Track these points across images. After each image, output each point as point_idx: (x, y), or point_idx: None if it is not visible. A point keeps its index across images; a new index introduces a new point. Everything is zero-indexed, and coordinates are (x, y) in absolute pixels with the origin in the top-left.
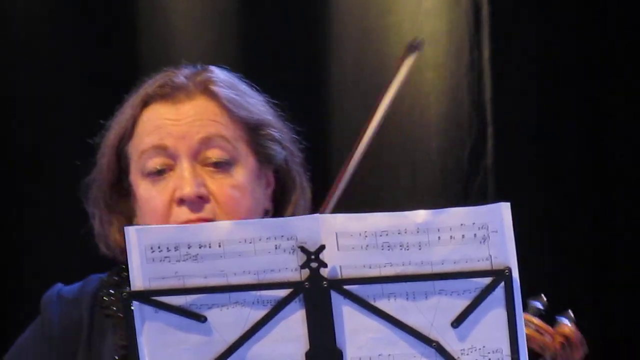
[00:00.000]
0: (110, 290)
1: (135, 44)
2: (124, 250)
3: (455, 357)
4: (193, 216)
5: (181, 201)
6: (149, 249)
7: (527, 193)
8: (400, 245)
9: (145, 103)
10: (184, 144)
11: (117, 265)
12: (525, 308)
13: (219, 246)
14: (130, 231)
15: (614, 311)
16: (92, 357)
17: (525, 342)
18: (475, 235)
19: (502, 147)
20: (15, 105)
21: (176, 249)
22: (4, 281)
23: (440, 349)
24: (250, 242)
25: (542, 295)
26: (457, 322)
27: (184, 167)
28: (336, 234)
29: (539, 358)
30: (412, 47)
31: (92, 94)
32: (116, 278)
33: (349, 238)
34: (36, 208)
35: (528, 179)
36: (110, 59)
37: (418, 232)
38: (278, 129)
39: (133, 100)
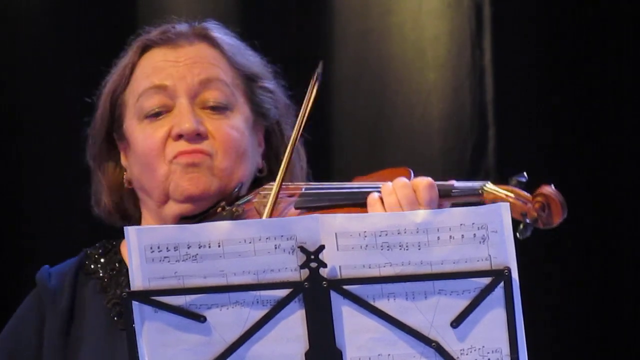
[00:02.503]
0: (96, 257)
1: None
2: (111, 212)
3: (455, 357)
4: (190, 147)
5: (179, 136)
6: (148, 249)
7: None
8: (400, 245)
9: (145, 49)
10: (184, 83)
11: (105, 240)
12: (508, 182)
13: (219, 246)
14: (130, 231)
15: (612, 311)
16: (76, 324)
17: (525, 342)
18: (474, 235)
19: (503, 148)
20: (15, 106)
21: (176, 249)
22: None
23: (439, 349)
24: (250, 242)
25: (524, 172)
26: (456, 322)
27: (183, 105)
28: (336, 234)
29: (519, 225)
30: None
31: (93, 94)
32: (102, 249)
33: (349, 238)
34: (36, 211)
35: (530, 179)
36: (110, 59)
37: (417, 232)
38: (273, 89)
39: (132, 48)
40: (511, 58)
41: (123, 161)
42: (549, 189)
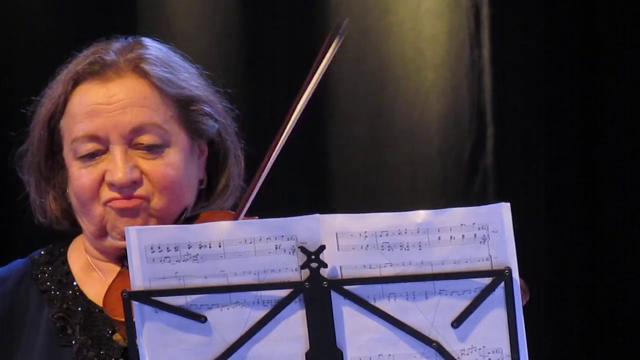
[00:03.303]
0: (44, 267)
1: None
2: (59, 219)
3: (456, 357)
4: (123, 194)
5: (112, 185)
6: (149, 249)
7: (527, 193)
8: (401, 246)
9: (76, 82)
10: (116, 132)
11: (53, 244)
12: None
13: (219, 246)
14: (131, 231)
15: (612, 311)
16: (25, 333)
17: (525, 342)
18: (475, 235)
19: (502, 147)
20: (14, 105)
21: (176, 249)
22: None
23: (440, 349)
24: (251, 242)
25: None
26: (457, 322)
27: (116, 153)
28: (336, 234)
29: None
30: (338, 29)
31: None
32: (49, 256)
33: (349, 238)
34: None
35: (528, 179)
36: None
37: (418, 232)
38: (210, 103)
39: (64, 76)
40: (509, 58)
41: (65, 174)
42: None
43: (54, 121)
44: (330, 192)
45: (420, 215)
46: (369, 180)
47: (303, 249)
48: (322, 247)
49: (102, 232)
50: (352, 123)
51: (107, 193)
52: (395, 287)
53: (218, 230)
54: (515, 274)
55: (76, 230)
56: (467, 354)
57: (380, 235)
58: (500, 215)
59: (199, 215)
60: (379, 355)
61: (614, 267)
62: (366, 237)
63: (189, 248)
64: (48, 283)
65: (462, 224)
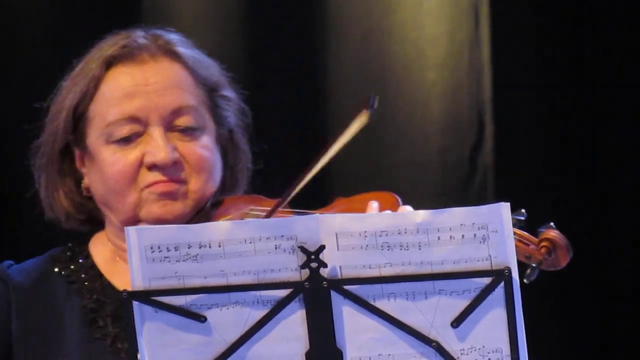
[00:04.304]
0: (67, 262)
1: None
2: (69, 216)
3: (455, 357)
4: (164, 177)
5: (153, 166)
6: (149, 249)
7: (527, 193)
8: (400, 246)
9: (109, 64)
10: (156, 113)
11: (71, 243)
12: None
13: (219, 246)
14: (131, 231)
15: (612, 311)
16: (57, 322)
17: (525, 342)
18: (475, 235)
19: (501, 147)
20: (15, 107)
21: (176, 249)
22: None
23: (440, 349)
24: (250, 242)
25: (523, 210)
26: (457, 322)
27: (156, 134)
28: (336, 234)
29: (527, 269)
30: (366, 103)
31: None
32: (69, 252)
33: (349, 238)
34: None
35: (528, 178)
36: None
37: (418, 232)
38: (231, 94)
39: (93, 62)
40: (509, 58)
41: (80, 166)
42: (554, 233)
43: (81, 107)
44: (330, 192)
45: (420, 215)
46: (369, 180)
47: (303, 249)
48: (322, 247)
49: (134, 221)
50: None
51: (146, 177)
52: (395, 287)
53: (218, 230)
54: (515, 274)
55: (84, 229)
56: (467, 354)
57: (380, 235)
58: (499, 215)
59: (223, 200)
60: (379, 355)
61: (615, 266)
62: (366, 237)
63: (188, 248)
64: (75, 275)
65: (461, 224)
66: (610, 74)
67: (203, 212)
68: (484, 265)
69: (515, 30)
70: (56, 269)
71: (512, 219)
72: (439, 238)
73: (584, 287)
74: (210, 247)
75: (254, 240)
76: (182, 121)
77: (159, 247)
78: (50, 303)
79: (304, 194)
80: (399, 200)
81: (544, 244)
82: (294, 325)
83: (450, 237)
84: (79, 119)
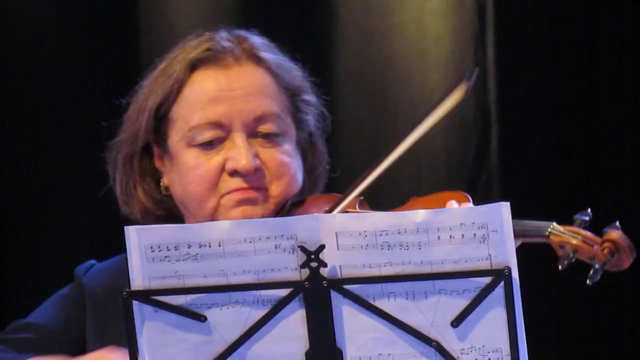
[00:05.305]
0: None
1: (137, 43)
2: (147, 211)
3: (455, 356)
4: (245, 185)
5: (235, 172)
6: (149, 249)
7: (531, 193)
8: (400, 245)
9: (193, 67)
10: (239, 119)
11: None
12: (573, 222)
13: (219, 246)
14: (130, 231)
15: (612, 311)
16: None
17: (525, 341)
18: (475, 234)
19: (506, 147)
20: (15, 105)
21: (176, 248)
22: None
23: (440, 349)
24: (250, 242)
25: (588, 209)
26: (457, 322)
27: (239, 140)
28: (336, 233)
29: (590, 269)
30: (464, 77)
31: (93, 93)
32: None
33: (349, 237)
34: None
35: (532, 179)
36: (111, 59)
37: (418, 231)
38: (313, 98)
39: (176, 63)
40: (513, 58)
41: (159, 165)
42: (617, 234)
43: (164, 108)
44: (333, 192)
45: (420, 215)
46: (373, 181)
47: (303, 249)
48: (322, 247)
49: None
50: (354, 123)
51: (228, 183)
52: (395, 287)
53: (218, 229)
54: (515, 274)
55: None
56: (467, 354)
57: (380, 235)
58: (500, 215)
59: (305, 200)
60: (379, 354)
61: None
62: (366, 236)
63: (188, 247)
64: None
65: (461, 224)
66: (616, 74)
67: (283, 212)
68: (484, 265)
69: (520, 30)
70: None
71: (577, 219)
72: (439, 237)
73: (583, 287)
74: (210, 246)
75: (254, 240)
76: (265, 128)
77: (159, 247)
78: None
79: (307, 194)
80: (470, 199)
81: (606, 244)
82: (294, 324)
83: (450, 236)
84: (160, 120)
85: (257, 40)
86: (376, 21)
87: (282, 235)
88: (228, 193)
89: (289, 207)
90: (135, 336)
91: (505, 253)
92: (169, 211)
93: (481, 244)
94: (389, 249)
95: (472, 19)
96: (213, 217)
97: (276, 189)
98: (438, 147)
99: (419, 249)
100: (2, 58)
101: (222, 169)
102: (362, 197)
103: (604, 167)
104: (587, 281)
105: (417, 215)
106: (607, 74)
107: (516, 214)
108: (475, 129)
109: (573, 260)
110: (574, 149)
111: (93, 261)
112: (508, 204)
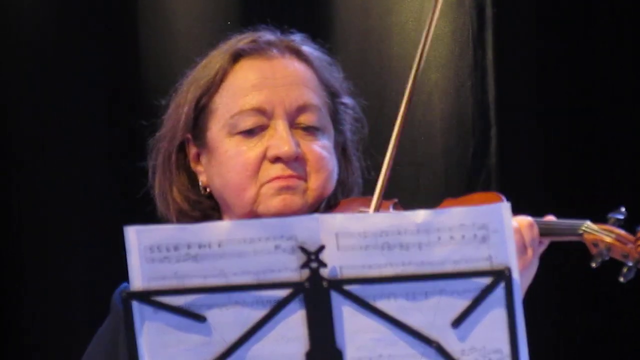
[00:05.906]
0: None
1: (136, 43)
2: (182, 213)
3: (456, 357)
4: (286, 173)
5: (277, 159)
6: (148, 250)
7: (531, 193)
8: (400, 246)
9: (236, 57)
10: (282, 107)
11: None
12: (607, 220)
13: (219, 246)
14: (130, 231)
15: (612, 311)
16: None
17: (526, 342)
18: (475, 235)
19: (505, 147)
20: (15, 105)
21: (176, 249)
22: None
23: (440, 349)
24: (250, 242)
25: (622, 208)
26: (457, 322)
27: (281, 127)
28: (336, 234)
29: (623, 267)
30: None
31: (93, 93)
32: None
33: (349, 238)
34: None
35: (531, 179)
36: (110, 59)
37: (418, 232)
38: (351, 102)
39: (219, 55)
40: (513, 58)
41: (194, 165)
42: None
43: (205, 98)
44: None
45: (420, 215)
46: (373, 181)
47: (303, 249)
48: (322, 247)
49: (252, 214)
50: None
51: (269, 171)
52: (395, 287)
53: (217, 230)
54: (516, 274)
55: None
56: (467, 354)
57: (380, 235)
58: (500, 215)
59: (338, 202)
60: (379, 355)
61: (614, 267)
62: (366, 237)
63: (188, 248)
64: None
65: (461, 224)
66: (614, 75)
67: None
68: (484, 266)
69: (519, 30)
70: None
71: (611, 218)
72: (439, 238)
73: (583, 287)
74: (210, 247)
75: (254, 241)
76: (306, 119)
77: (158, 247)
78: None
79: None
80: (504, 200)
81: None
82: (294, 325)
83: (451, 237)
84: (200, 112)
85: (299, 37)
86: (375, 21)
87: (281, 236)
88: (268, 182)
89: (322, 209)
90: (134, 337)
91: (506, 253)
92: (204, 212)
93: (481, 245)
94: (389, 250)
95: (471, 19)
96: (252, 207)
97: (315, 182)
98: (437, 147)
99: (419, 249)
100: (2, 58)
101: (263, 157)
102: (396, 200)
103: (604, 167)
104: (621, 279)
105: (417, 216)
106: (607, 74)
107: (515, 214)
108: (474, 129)
109: (607, 258)
110: (574, 149)
111: (125, 284)
112: (508, 204)
